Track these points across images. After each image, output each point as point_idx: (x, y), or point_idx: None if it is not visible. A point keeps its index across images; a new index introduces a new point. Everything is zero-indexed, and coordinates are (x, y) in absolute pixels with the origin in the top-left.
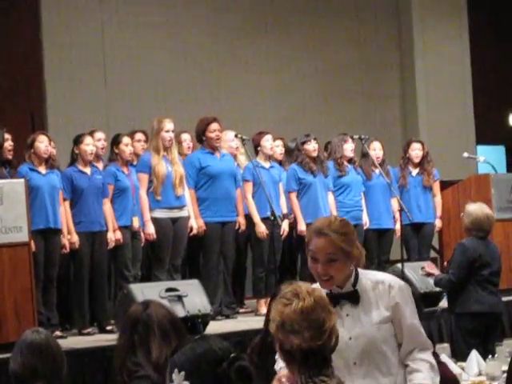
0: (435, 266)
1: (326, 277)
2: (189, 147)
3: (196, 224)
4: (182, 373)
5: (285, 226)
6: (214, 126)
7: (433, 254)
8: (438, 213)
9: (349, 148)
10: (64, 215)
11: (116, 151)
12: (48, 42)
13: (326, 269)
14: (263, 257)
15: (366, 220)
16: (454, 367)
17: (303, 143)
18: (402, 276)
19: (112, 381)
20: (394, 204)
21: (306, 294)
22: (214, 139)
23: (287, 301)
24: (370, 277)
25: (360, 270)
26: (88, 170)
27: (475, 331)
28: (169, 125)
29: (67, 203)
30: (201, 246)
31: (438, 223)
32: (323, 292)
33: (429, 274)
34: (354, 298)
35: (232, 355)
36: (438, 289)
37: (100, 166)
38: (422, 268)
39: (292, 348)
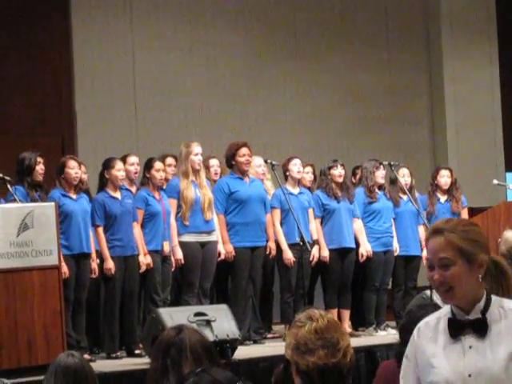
0: None
1: (444, 286)
2: (216, 173)
3: (224, 249)
4: None
5: (315, 252)
6: (244, 150)
7: None
8: None
9: (380, 175)
10: (93, 239)
11: (148, 175)
12: (79, 68)
13: (442, 275)
14: (291, 282)
15: (396, 247)
16: None
17: (330, 168)
18: (431, 302)
19: None
20: (421, 231)
21: (320, 316)
22: (244, 164)
23: (301, 323)
24: (503, 304)
25: (493, 297)
26: (118, 195)
27: None
28: (197, 148)
29: (100, 229)
30: (229, 271)
31: None
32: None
33: None
34: (481, 327)
35: None
36: None
37: (133, 189)
38: None
39: (308, 368)
